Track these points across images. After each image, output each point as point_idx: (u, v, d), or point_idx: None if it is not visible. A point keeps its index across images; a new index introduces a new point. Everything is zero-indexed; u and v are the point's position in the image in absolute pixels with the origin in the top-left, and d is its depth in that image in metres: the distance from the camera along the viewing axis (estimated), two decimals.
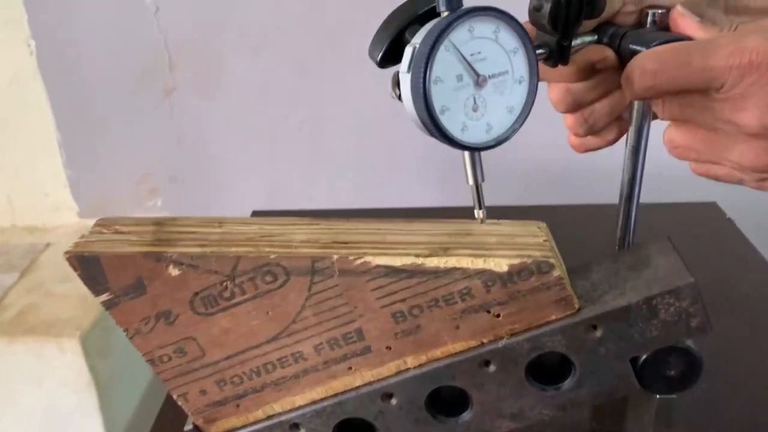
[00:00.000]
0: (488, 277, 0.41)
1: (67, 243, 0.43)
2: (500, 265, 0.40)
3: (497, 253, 0.41)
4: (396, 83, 0.40)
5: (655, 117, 0.50)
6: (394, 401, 0.45)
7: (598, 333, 0.42)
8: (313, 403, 0.46)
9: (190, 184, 1.17)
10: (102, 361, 0.96)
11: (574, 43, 0.46)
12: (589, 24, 0.47)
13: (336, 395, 0.45)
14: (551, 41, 0.45)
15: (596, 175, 0.98)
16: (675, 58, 0.40)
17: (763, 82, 0.37)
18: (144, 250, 0.42)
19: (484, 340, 0.43)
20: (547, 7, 0.44)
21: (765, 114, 0.38)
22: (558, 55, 0.46)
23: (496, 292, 0.41)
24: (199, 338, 0.44)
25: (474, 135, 0.38)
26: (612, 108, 0.50)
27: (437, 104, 0.37)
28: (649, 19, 0.46)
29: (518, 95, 0.39)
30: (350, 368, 0.44)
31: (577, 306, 0.42)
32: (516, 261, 0.40)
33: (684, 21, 0.44)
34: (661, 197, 0.84)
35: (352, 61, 1.04)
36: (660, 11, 0.45)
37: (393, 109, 1.05)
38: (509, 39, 0.38)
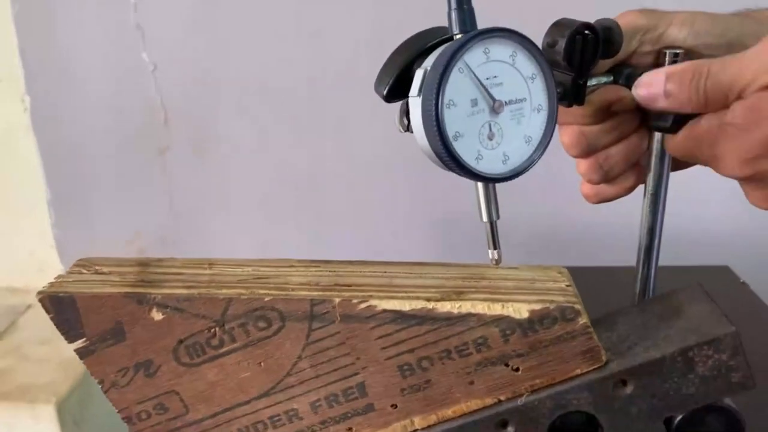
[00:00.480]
0: (507, 324, 0.37)
1: None
2: (520, 311, 0.37)
3: (516, 297, 0.37)
4: (404, 112, 0.37)
5: (675, 167, 0.48)
6: None
7: (629, 389, 0.37)
8: None
9: (182, 245, 1.13)
10: (78, 431, 0.90)
11: (589, 83, 0.44)
12: (604, 65, 0.45)
13: None
14: (566, 80, 0.43)
15: (608, 237, 0.95)
16: (695, 69, 0.38)
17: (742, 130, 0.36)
18: (125, 291, 0.38)
19: (502, 398, 0.38)
20: (561, 43, 0.42)
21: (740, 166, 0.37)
22: (573, 94, 0.44)
23: (515, 342, 0.37)
24: (183, 393, 0.39)
25: (490, 165, 0.35)
26: (628, 153, 0.47)
27: (450, 130, 0.34)
28: (667, 60, 0.44)
29: (536, 125, 0.37)
30: (350, 429, 0.40)
31: (604, 359, 0.37)
32: (538, 306, 0.36)
33: (650, 103, 0.41)
34: (672, 261, 0.81)
35: (349, 121, 1.02)
36: (678, 51, 0.43)
37: (391, 167, 1.04)
38: (527, 64, 0.36)
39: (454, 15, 0.36)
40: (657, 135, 0.46)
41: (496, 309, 0.37)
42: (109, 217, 1.12)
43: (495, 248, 0.38)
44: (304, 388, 0.39)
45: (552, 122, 0.37)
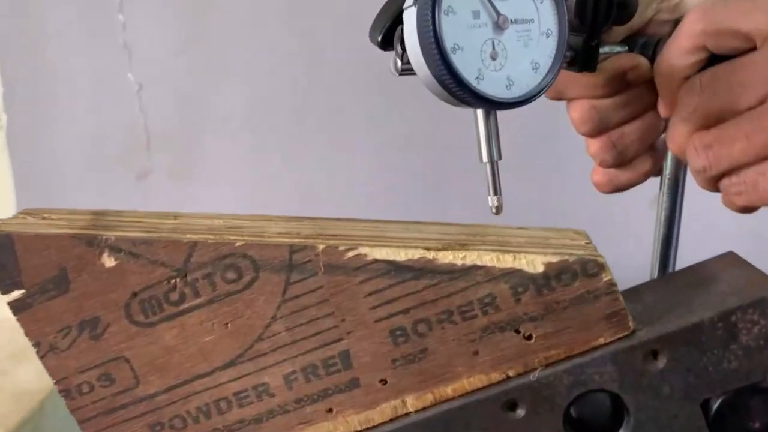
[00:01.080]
0: (518, 280, 0.31)
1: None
2: (534, 263, 0.31)
3: (530, 250, 0.32)
4: (399, 39, 0.33)
5: None
6: None
7: (661, 363, 0.32)
8: None
9: None
10: None
11: (602, 51, 0.41)
12: (619, 33, 0.42)
13: None
14: (577, 43, 0.40)
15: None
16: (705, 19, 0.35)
17: None
18: (73, 231, 0.32)
19: (511, 373, 0.33)
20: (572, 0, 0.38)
21: None
22: (584, 58, 0.40)
23: (527, 303, 0.32)
24: (134, 359, 0.33)
25: (492, 87, 0.31)
26: (644, 132, 0.43)
27: (448, 41, 0.30)
28: None
29: (545, 50, 0.33)
30: (330, 410, 0.33)
31: (632, 326, 0.32)
32: (555, 259, 0.31)
33: None
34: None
35: (338, 146, 0.99)
36: None
37: (383, 193, 1.00)
38: None
39: None
40: None
41: (507, 261, 0.31)
42: None
43: (496, 194, 0.33)
44: (277, 356, 0.33)
45: (562, 50, 0.33)
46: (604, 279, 0.31)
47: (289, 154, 1.01)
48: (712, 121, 0.35)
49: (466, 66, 0.31)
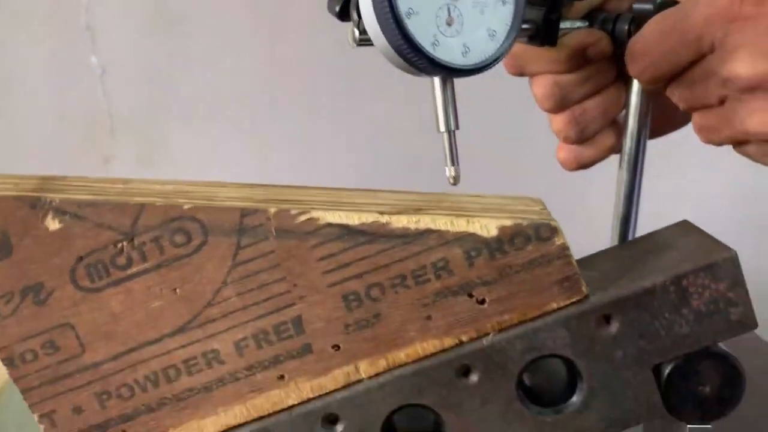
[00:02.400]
0: (472, 244, 0.31)
1: None
2: (488, 227, 0.31)
3: (483, 215, 0.32)
4: (355, 6, 0.33)
5: (653, 132, 0.44)
6: (340, 428, 0.33)
7: (613, 327, 0.32)
8: (229, 429, 0.33)
9: None
10: None
11: (563, 26, 0.41)
12: (579, 8, 0.42)
13: (260, 418, 0.33)
14: (537, 16, 0.40)
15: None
16: (657, 30, 0.36)
17: (749, 25, 0.32)
18: (16, 194, 0.31)
19: (464, 338, 0.32)
20: None
21: (756, 59, 0.33)
22: (545, 32, 0.40)
23: (481, 267, 0.31)
24: (79, 326, 0.32)
25: (448, 54, 0.31)
26: (606, 107, 0.43)
27: (403, 5, 0.30)
28: None
29: (502, 18, 0.33)
30: (282, 377, 0.33)
31: (585, 291, 0.32)
32: (508, 222, 0.31)
33: None
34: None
35: (308, 133, 0.98)
36: None
37: (352, 181, 0.99)
38: None
39: None
40: (635, 87, 0.42)
41: (461, 225, 0.31)
42: None
43: (453, 164, 0.33)
44: (227, 322, 0.32)
45: (519, 18, 0.33)
46: (557, 243, 0.31)
47: (256, 139, 1.00)
48: None
49: (421, 31, 0.31)
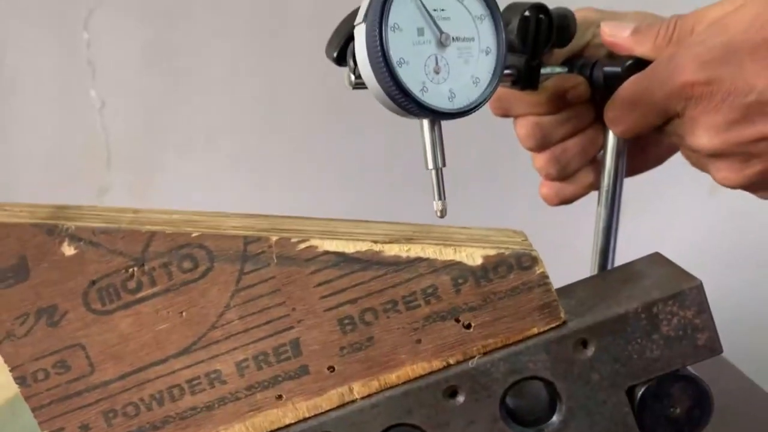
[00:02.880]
0: (459, 272, 0.34)
1: None
2: (473, 256, 0.34)
3: (470, 244, 0.34)
4: (351, 54, 0.35)
5: (630, 170, 0.47)
6: None
7: (590, 351, 0.34)
8: None
9: None
10: None
11: (543, 71, 0.44)
12: (559, 55, 0.45)
13: None
14: (519, 63, 0.43)
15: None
16: (627, 101, 0.40)
17: (703, 102, 0.37)
18: (33, 221, 0.34)
19: (451, 361, 0.35)
20: (515, 22, 0.42)
21: (713, 135, 0.37)
22: (527, 77, 0.43)
23: (467, 293, 0.34)
24: (90, 347, 0.34)
25: (435, 99, 0.34)
26: (585, 147, 0.46)
27: (395, 55, 0.33)
28: None
29: (484, 66, 0.36)
30: (280, 397, 0.35)
31: (563, 317, 0.34)
32: (492, 252, 0.34)
33: (618, 41, 0.42)
34: None
35: (302, 170, 1.01)
36: None
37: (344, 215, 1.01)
38: (476, 3, 0.35)
39: None
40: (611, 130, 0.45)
41: (448, 254, 0.34)
42: None
43: (440, 198, 0.36)
44: (230, 344, 0.34)
45: (500, 66, 0.36)
46: (537, 271, 0.34)
47: (251, 173, 1.02)
48: None
49: (411, 79, 0.33)
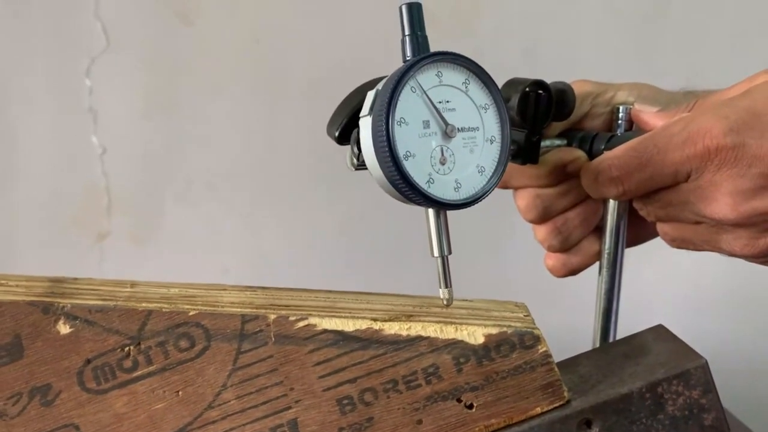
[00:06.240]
0: (460, 351, 0.33)
1: None
2: (475, 335, 0.33)
3: (471, 322, 0.34)
4: (355, 141, 0.35)
5: (630, 241, 0.46)
6: None
7: (594, 431, 0.33)
8: None
9: None
10: None
11: (543, 144, 0.44)
12: (558, 128, 0.45)
13: None
14: (520, 138, 0.43)
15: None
16: (635, 160, 0.38)
17: (727, 166, 0.35)
18: (29, 299, 0.33)
19: None
20: (515, 98, 0.42)
21: (738, 202, 0.35)
22: (527, 151, 0.43)
23: (469, 373, 0.33)
24: (84, 427, 0.34)
25: (441, 190, 0.34)
26: (586, 217, 0.46)
27: (401, 148, 0.33)
28: (621, 114, 0.44)
29: (490, 155, 0.35)
30: None
31: (566, 396, 0.34)
32: (494, 331, 0.33)
33: (645, 116, 0.42)
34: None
35: (300, 215, 1.00)
36: (629, 106, 0.44)
37: (345, 262, 1.01)
38: (480, 94, 0.35)
39: (407, 41, 0.35)
40: (611, 200, 0.45)
41: (449, 332, 0.33)
42: None
43: (447, 287, 0.35)
44: (227, 424, 0.34)
45: (505, 155, 0.35)
46: (540, 350, 0.33)
47: (250, 221, 1.02)
48: None
49: (418, 171, 0.33)
